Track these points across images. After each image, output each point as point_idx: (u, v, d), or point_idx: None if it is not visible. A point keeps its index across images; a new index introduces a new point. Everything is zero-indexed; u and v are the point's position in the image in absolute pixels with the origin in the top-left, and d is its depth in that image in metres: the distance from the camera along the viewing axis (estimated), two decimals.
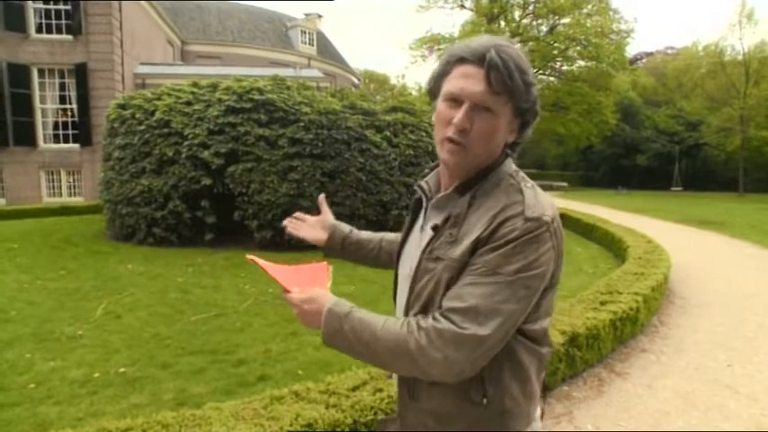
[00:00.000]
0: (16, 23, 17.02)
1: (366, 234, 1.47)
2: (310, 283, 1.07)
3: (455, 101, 0.96)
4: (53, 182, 18.02)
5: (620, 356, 4.11)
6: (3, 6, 16.83)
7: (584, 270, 7.30)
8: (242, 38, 29.30)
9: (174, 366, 3.54)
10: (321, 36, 32.99)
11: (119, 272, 6.70)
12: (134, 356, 3.74)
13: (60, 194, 17.93)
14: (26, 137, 17.48)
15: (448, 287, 0.94)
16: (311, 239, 1.46)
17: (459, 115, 0.94)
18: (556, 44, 30.46)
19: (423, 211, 1.11)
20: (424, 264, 0.99)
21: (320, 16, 34.71)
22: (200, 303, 5.29)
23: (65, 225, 11.13)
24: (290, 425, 2.09)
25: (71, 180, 18.09)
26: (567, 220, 12.16)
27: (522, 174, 1.02)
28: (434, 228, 1.01)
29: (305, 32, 31.43)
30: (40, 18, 17.43)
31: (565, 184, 34.91)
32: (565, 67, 32.87)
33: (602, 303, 4.23)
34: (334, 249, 1.45)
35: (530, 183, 1.00)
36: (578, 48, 30.26)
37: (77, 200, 17.09)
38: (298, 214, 1.51)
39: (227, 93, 8.50)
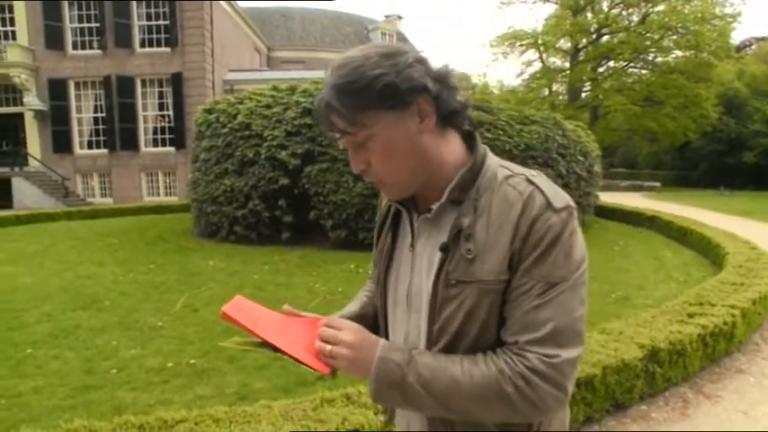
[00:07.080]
0: (124, 41, 18.88)
1: (358, 304, 1.11)
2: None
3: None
4: (152, 182, 19.73)
5: (711, 377, 3.69)
6: (114, 26, 18.70)
7: (673, 277, 6.69)
8: (324, 42, 30.25)
9: (239, 361, 3.67)
10: (401, 37, 33.22)
11: (201, 267, 7.12)
12: (205, 349, 3.93)
13: (158, 194, 19.59)
14: (130, 142, 19.33)
15: (482, 313, 0.81)
16: None
17: (352, 162, 0.88)
18: (648, 34, 28.25)
19: (408, 226, 0.94)
20: (442, 291, 0.84)
21: (400, 17, 35.06)
22: (272, 300, 5.44)
23: (159, 222, 12.07)
24: (336, 428, 2.07)
25: (167, 181, 19.70)
26: (657, 222, 11.27)
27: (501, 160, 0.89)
28: (444, 248, 0.84)
29: (385, 34, 31.87)
30: (143, 34, 19.14)
31: (657, 184, 32.36)
32: (659, 59, 30.45)
33: (690, 316, 3.83)
34: None
35: (520, 168, 0.86)
36: (674, 37, 27.84)
37: (172, 199, 18.54)
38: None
39: (304, 95, 8.74)
